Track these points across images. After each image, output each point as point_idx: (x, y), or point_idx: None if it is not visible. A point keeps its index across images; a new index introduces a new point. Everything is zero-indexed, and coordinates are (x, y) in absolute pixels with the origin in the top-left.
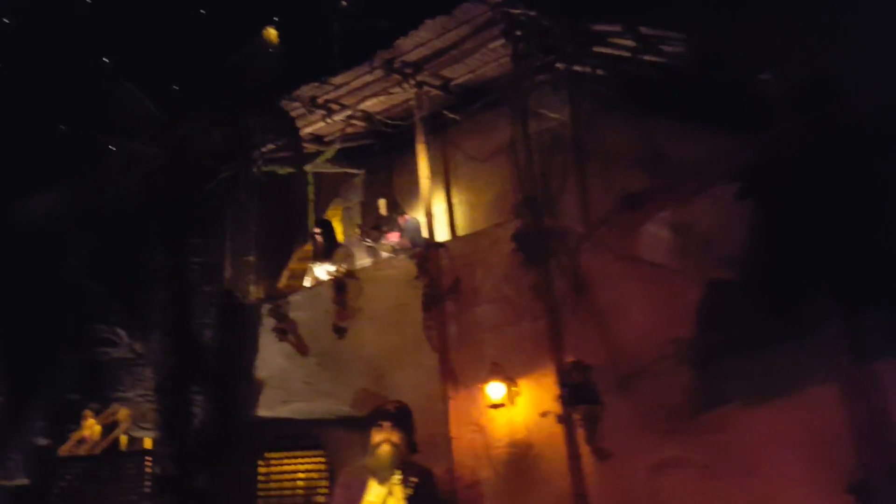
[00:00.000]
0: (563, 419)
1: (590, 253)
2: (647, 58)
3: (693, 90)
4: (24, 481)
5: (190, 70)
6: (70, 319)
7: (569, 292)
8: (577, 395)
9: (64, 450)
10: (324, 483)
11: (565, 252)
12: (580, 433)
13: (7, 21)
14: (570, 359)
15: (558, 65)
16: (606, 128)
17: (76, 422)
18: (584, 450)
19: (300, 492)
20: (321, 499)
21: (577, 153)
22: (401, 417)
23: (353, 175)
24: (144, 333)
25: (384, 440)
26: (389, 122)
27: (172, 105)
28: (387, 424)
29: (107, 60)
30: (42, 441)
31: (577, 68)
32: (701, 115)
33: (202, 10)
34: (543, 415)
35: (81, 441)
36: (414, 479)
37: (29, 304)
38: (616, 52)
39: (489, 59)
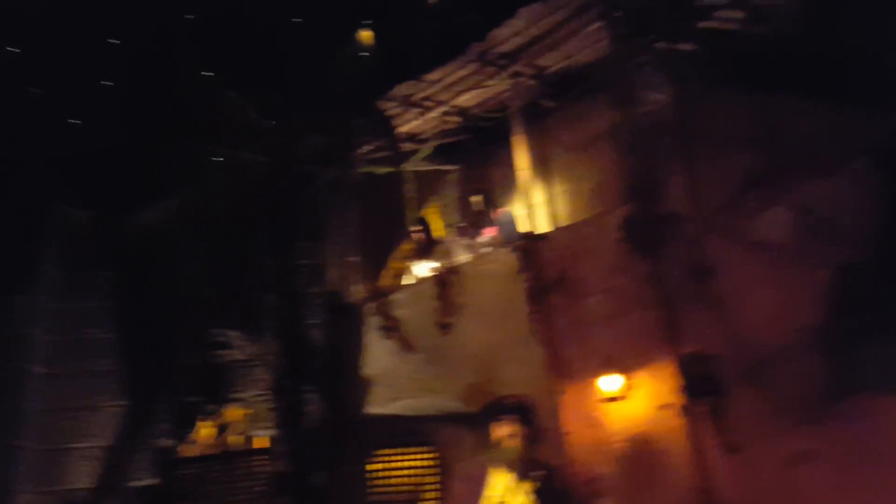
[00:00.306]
0: (686, 412)
1: (708, 238)
2: (756, 29)
3: (810, 61)
4: (151, 481)
5: (289, 77)
6: (188, 324)
7: (685, 280)
8: (699, 387)
9: (183, 451)
10: (434, 479)
11: (679, 238)
12: (704, 426)
13: (118, 42)
14: (689, 349)
15: (659, 44)
16: (714, 107)
17: (195, 423)
18: (710, 443)
19: (410, 488)
20: (431, 495)
21: (684, 135)
22: (522, 411)
23: (449, 171)
24: (257, 336)
25: (509, 433)
26: (484, 115)
27: (274, 112)
28: (509, 418)
29: (210, 74)
30: (165, 442)
31: (679, 46)
32: (821, 87)
33: (298, 19)
34: (663, 408)
35: (198, 442)
36: (540, 473)
37: (150, 311)
38: (722, 26)
39: (586, 44)
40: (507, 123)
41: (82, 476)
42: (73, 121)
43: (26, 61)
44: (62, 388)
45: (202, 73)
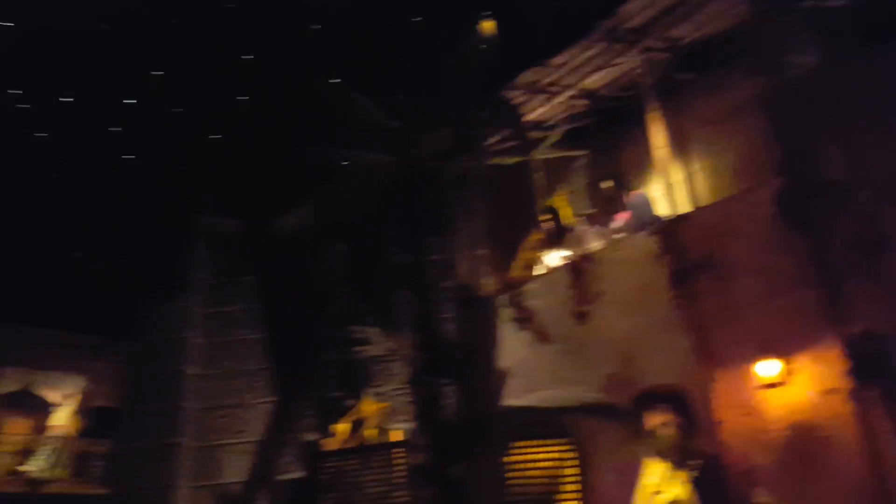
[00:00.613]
0: (854, 396)
1: (877, 207)
2: None
3: None
4: (299, 474)
5: (413, 75)
6: (327, 323)
7: (851, 254)
8: (869, 369)
9: (325, 444)
10: (574, 472)
11: (843, 209)
12: (876, 411)
13: (251, 57)
14: (857, 328)
15: (805, 2)
16: (871, 64)
17: (337, 418)
18: (883, 429)
19: (549, 481)
20: (571, 487)
21: (839, 98)
22: (677, 399)
23: (578, 157)
24: (393, 331)
25: (663, 422)
26: (614, 95)
27: (400, 111)
28: (663, 407)
29: (338, 80)
30: (310, 437)
31: (827, 3)
32: None
33: (418, 18)
34: (828, 393)
35: (337, 436)
36: (698, 462)
37: (292, 311)
38: None
39: (723, 9)
40: (639, 102)
41: (236, 470)
42: (213, 136)
43: (169, 83)
44: (216, 388)
45: (329, 80)
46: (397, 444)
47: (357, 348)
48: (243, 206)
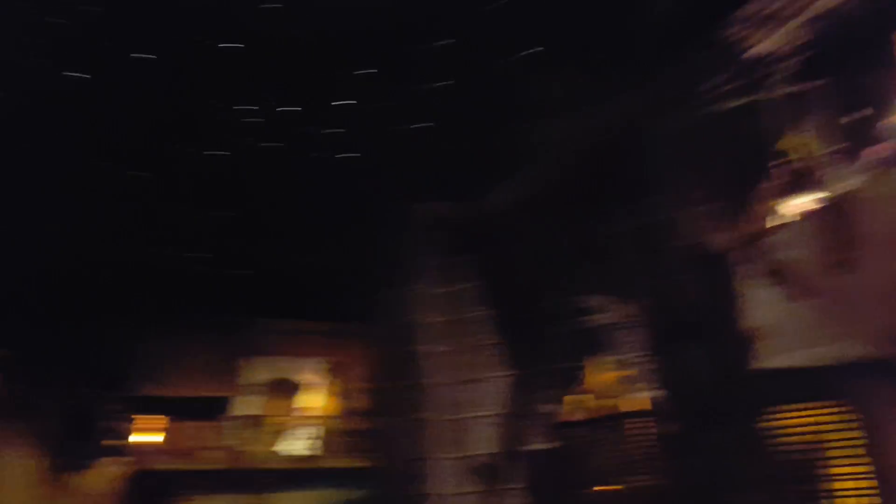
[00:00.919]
0: None
1: None
2: None
3: None
4: (541, 446)
5: (611, 31)
6: (553, 294)
7: None
8: None
9: (564, 415)
10: (849, 435)
11: None
12: None
13: (451, 41)
14: None
15: None
16: None
17: (572, 389)
18: None
19: (819, 446)
20: (847, 451)
21: None
22: None
23: (817, 88)
24: (622, 298)
25: None
26: (857, 13)
27: (601, 72)
28: None
29: (531, 51)
30: (548, 408)
31: None
32: None
33: None
34: None
35: (574, 406)
36: None
37: (516, 285)
38: None
39: None
40: (891, 14)
41: (481, 442)
42: (419, 125)
43: (375, 78)
44: (453, 364)
45: (522, 53)
46: (637, 412)
47: (585, 317)
48: (455, 188)
